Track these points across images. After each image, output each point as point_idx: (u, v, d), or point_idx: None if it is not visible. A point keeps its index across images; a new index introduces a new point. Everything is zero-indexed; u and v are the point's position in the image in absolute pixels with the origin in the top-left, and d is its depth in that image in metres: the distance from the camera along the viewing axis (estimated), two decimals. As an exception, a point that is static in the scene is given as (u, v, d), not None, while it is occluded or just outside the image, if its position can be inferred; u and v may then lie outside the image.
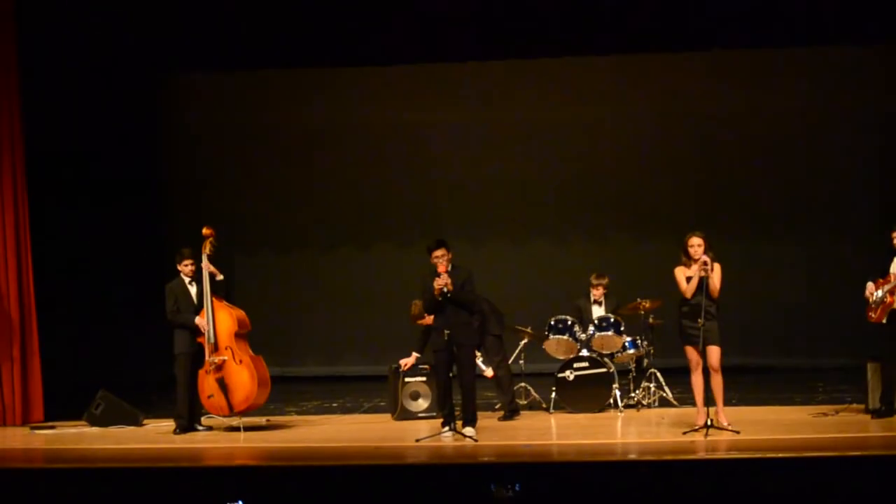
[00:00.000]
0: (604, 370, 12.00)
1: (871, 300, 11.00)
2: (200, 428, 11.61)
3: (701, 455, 9.53)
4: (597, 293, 12.47)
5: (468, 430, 10.51)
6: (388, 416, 12.23)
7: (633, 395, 12.24)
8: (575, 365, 12.01)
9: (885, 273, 10.99)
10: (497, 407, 12.16)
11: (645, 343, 12.37)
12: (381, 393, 12.97)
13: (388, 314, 15.77)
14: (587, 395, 11.98)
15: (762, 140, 15.80)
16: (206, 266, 11.38)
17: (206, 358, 11.30)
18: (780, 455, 9.12)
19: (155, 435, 11.58)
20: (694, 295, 10.36)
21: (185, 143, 16.53)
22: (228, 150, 16.46)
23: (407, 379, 12.10)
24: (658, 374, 12.36)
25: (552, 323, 12.30)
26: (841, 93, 15.41)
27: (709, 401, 10.37)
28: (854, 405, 11.53)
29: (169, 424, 11.69)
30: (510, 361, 12.16)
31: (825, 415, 11.28)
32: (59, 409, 12.71)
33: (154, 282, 12.42)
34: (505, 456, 9.90)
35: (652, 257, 15.08)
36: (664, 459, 9.30)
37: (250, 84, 16.00)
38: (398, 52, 14.19)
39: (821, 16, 13.22)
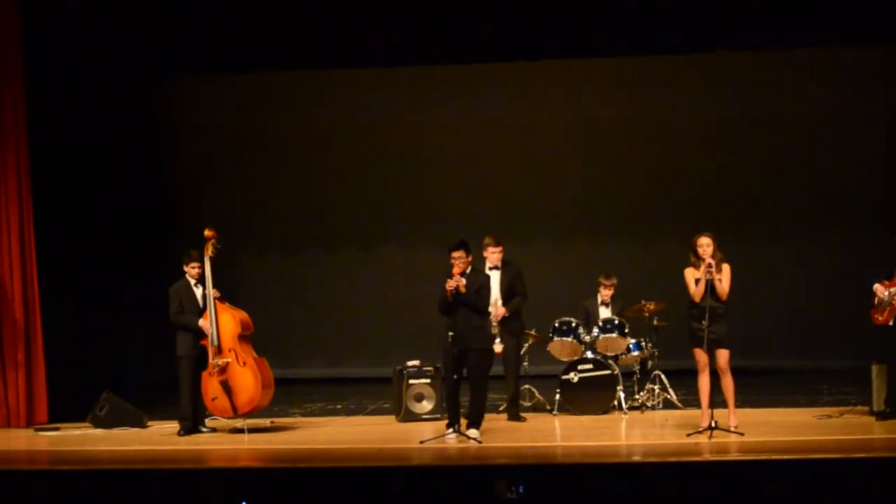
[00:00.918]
0: (608, 372, 11.99)
1: (883, 301, 10.96)
2: (204, 430, 11.62)
3: (705, 457, 9.53)
4: (605, 294, 12.45)
5: (472, 432, 10.49)
6: (392, 417, 12.22)
7: (637, 396, 12.24)
8: (579, 367, 12.00)
9: (890, 275, 10.97)
10: (501, 409, 12.15)
11: (649, 345, 12.36)
12: (385, 395, 12.96)
13: (393, 316, 15.79)
14: (591, 396, 11.97)
15: (765, 142, 15.78)
16: (206, 268, 11.39)
17: (210, 360, 11.30)
18: (785, 457, 9.09)
19: (159, 437, 11.58)
20: (702, 297, 10.34)
21: (189, 144, 16.51)
22: (232, 151, 16.43)
23: (411, 381, 12.08)
24: (662, 376, 12.35)
25: (556, 325, 12.28)
26: (841, 93, 15.38)
27: (719, 403, 10.35)
28: (859, 407, 11.49)
29: (173, 426, 11.69)
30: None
31: (829, 417, 11.27)
32: (64, 410, 12.71)
33: (158, 283, 12.40)
34: (509, 458, 9.88)
35: (656, 259, 15.08)
36: (668, 461, 9.29)
37: (254, 85, 15.99)
38: (401, 54, 14.20)
39: (821, 16, 13.21)
